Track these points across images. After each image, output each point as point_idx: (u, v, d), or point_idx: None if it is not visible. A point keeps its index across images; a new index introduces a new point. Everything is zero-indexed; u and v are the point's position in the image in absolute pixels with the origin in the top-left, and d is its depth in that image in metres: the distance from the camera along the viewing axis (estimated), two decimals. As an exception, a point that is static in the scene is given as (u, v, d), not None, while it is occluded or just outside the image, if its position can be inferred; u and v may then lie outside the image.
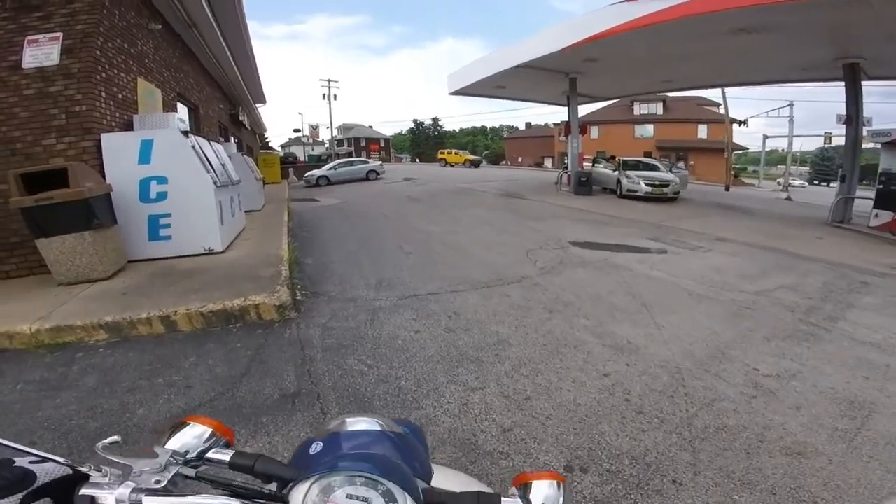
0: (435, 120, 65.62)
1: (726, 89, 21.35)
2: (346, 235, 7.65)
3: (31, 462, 0.43)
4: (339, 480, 0.44)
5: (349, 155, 53.79)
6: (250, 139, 21.47)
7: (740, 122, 24.80)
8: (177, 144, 4.96)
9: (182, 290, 3.89)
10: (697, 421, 2.37)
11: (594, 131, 40.07)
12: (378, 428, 0.53)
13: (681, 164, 24.17)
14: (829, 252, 6.85)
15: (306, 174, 21.11)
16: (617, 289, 4.72)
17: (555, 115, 54.03)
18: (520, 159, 47.15)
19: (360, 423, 0.52)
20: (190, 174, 4.95)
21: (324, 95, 39.85)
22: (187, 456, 0.48)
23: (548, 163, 45.26)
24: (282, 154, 44.23)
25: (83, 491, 0.42)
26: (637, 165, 14.19)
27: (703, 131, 37.75)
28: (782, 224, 9.95)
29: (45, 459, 0.43)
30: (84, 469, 0.44)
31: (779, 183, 26.63)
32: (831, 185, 42.26)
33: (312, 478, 0.45)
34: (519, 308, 4.04)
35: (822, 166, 49.17)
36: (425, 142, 63.99)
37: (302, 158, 40.65)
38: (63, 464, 0.44)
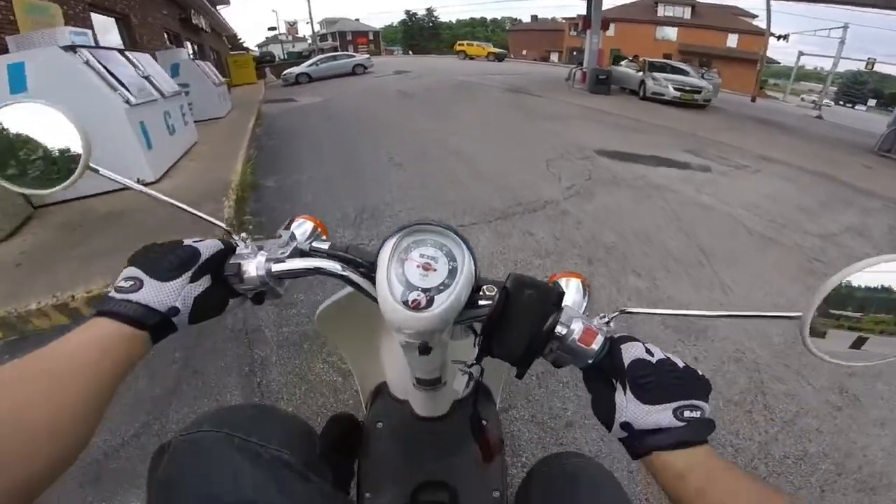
0: (429, 10, 57.96)
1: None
2: (323, 143, 6.27)
3: (194, 241, 0.50)
4: (416, 239, 0.49)
5: (334, 50, 48.13)
6: (215, 42, 18.48)
7: (780, 37, 21.83)
8: (60, 64, 3.61)
9: (91, 251, 2.73)
10: (776, 449, 1.69)
11: (610, 29, 35.78)
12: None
13: (714, 71, 21.86)
14: (886, 186, 5.76)
15: (284, 72, 18.45)
16: (666, 223, 3.68)
17: (564, 8, 48.04)
18: (524, 52, 42.69)
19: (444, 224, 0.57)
20: (88, 96, 3.65)
21: None
22: (300, 239, 0.58)
23: (554, 57, 41.04)
24: (258, 53, 39.37)
25: (231, 260, 0.50)
26: (664, 68, 12.31)
27: (733, 41, 34.08)
28: (825, 146, 8.66)
29: (212, 232, 0.68)
30: (233, 242, 0.52)
31: (803, 99, 24.44)
32: (857, 107, 39.69)
33: (393, 238, 0.49)
34: (548, 255, 3.00)
35: (854, 89, 46.16)
36: (419, 33, 57.28)
37: (283, 57, 36.30)
38: (220, 236, 0.52)
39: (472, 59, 30.83)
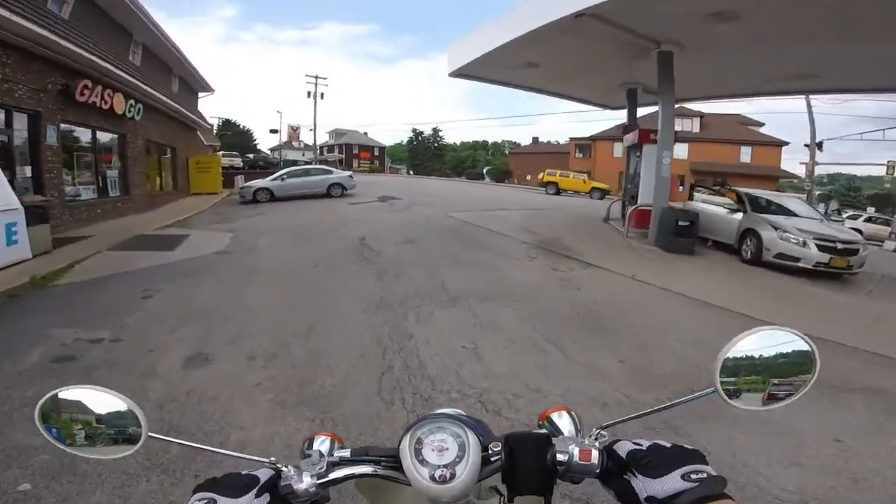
0: (435, 130, 59.55)
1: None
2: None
3: (249, 471, 0.58)
4: (426, 430, 0.59)
5: (339, 163, 48.04)
6: (170, 135, 14.88)
7: (816, 146, 19.44)
8: None
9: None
10: None
11: (615, 147, 34.62)
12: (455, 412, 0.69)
13: (841, 210, 17.63)
14: None
15: (241, 186, 14.94)
16: None
17: (569, 130, 48.76)
18: (528, 177, 41.42)
19: (443, 410, 0.69)
20: None
21: (309, 93, 33.97)
22: (324, 454, 0.63)
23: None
24: (252, 158, 38.28)
25: (283, 483, 0.56)
26: (769, 206, 8.15)
27: (745, 154, 32.44)
28: None
29: (259, 465, 0.59)
30: (280, 468, 0.58)
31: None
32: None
33: (410, 431, 0.59)
34: None
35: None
36: (423, 153, 58.01)
37: (280, 163, 34.75)
38: (270, 466, 0.58)
39: (557, 193, 23.58)
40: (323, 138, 65.01)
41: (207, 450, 0.62)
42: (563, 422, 0.69)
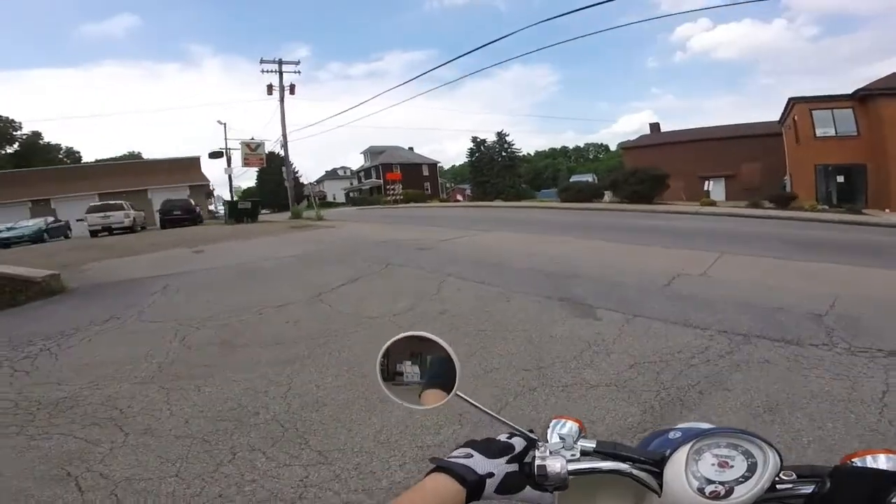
0: (500, 135, 43.31)
1: None
2: None
3: (507, 437, 0.61)
4: (709, 444, 0.54)
5: (372, 192, 33.38)
6: None
7: None
8: None
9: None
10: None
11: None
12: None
13: None
14: None
15: None
16: None
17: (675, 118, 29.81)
18: (683, 190, 22.66)
19: (711, 425, 0.61)
20: None
21: (269, 87, 20.31)
22: (575, 440, 0.61)
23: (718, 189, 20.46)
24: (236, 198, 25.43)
25: (537, 462, 0.56)
26: None
27: None
28: None
29: (513, 434, 0.61)
30: (538, 441, 0.59)
31: None
32: None
33: (690, 443, 0.54)
34: None
35: None
36: (488, 166, 42.10)
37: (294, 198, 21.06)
38: (527, 436, 0.60)
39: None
40: (357, 161, 53.47)
41: (492, 416, 0.62)
42: (880, 465, 0.53)
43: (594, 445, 0.60)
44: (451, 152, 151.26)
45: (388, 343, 0.61)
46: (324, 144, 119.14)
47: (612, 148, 74.78)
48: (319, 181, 59.83)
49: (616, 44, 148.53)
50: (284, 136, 24.03)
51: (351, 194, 48.02)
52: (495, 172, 41.17)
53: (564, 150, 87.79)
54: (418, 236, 10.40)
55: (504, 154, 43.76)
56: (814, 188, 19.09)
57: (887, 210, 16.00)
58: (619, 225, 12.57)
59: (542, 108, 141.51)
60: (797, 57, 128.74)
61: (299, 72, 23.14)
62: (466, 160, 46.75)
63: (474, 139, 43.12)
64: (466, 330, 4.01)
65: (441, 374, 0.61)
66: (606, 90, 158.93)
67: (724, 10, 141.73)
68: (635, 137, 38.04)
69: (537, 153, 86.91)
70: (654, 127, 37.13)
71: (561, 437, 0.61)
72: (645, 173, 19.63)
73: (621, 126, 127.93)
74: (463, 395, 0.60)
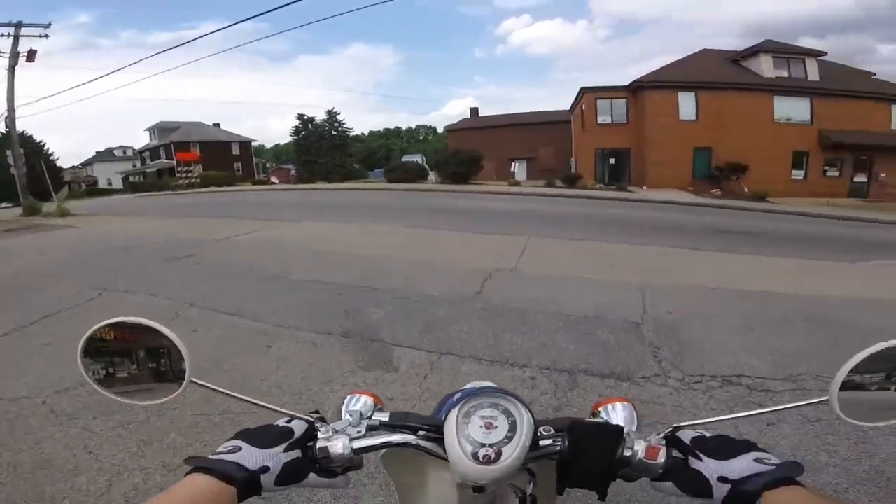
0: (331, 113, 39.75)
1: None
2: None
3: (286, 422, 0.55)
4: (476, 404, 0.53)
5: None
6: None
7: None
8: None
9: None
10: None
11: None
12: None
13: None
14: None
15: None
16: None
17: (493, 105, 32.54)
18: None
19: (486, 384, 0.69)
20: None
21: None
22: (364, 415, 0.60)
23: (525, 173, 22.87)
24: None
25: (319, 445, 0.53)
26: None
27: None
28: None
29: (293, 418, 0.55)
30: (316, 424, 0.55)
31: None
32: None
33: (455, 408, 0.53)
34: None
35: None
36: (315, 146, 38.30)
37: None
38: (306, 420, 0.55)
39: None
40: (142, 139, 42.36)
41: (248, 401, 0.56)
42: (618, 414, 0.65)
43: (387, 419, 0.59)
44: (279, 130, 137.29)
45: (84, 339, 0.50)
46: (103, 121, 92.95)
47: (440, 130, 77.81)
48: (87, 164, 46.41)
49: (457, 30, 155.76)
50: (11, 108, 17.07)
51: (131, 178, 38.30)
52: (324, 152, 37.89)
53: (398, 130, 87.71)
54: (190, 234, 7.78)
55: (334, 133, 40.60)
56: (593, 169, 22.27)
57: (644, 187, 19.45)
58: (439, 206, 12.09)
59: (382, 88, 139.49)
60: (592, 55, 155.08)
61: (47, 35, 16.89)
62: (291, 139, 41.95)
63: (300, 116, 38.74)
64: (180, 426, 2.22)
65: (167, 362, 0.52)
66: (440, 74, 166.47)
67: (540, 8, 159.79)
68: (458, 121, 39.48)
69: (372, 133, 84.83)
70: (474, 112, 39.08)
71: (351, 414, 0.60)
72: (464, 155, 20.72)
73: (449, 109, 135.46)
74: (199, 381, 0.53)
